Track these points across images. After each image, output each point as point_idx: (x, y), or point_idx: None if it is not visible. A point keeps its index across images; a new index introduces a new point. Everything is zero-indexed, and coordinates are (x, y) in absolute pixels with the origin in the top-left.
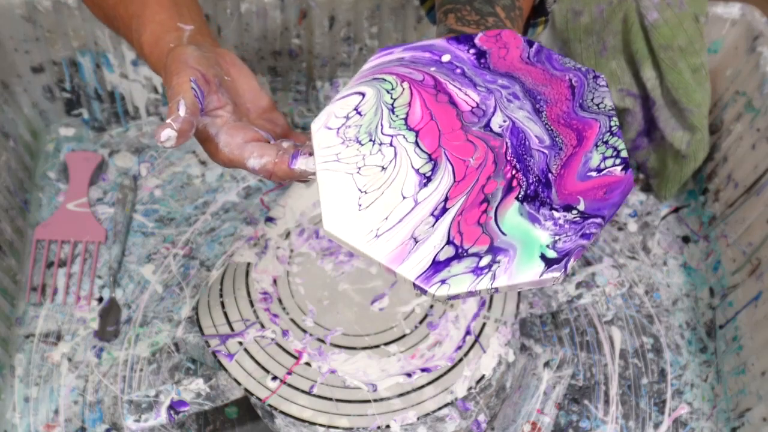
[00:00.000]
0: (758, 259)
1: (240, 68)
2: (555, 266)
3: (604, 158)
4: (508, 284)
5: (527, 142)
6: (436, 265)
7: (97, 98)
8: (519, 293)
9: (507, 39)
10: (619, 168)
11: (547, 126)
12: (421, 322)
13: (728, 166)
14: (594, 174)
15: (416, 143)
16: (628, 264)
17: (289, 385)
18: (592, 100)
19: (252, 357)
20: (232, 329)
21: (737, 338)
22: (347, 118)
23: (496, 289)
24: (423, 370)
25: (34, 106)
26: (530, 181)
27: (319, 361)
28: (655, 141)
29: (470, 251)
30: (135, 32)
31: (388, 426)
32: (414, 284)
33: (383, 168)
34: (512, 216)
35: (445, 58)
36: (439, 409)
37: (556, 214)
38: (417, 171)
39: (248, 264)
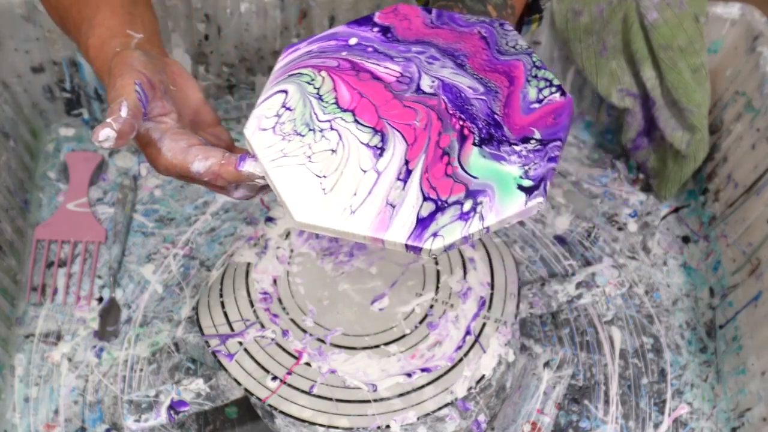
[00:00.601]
0: (758, 259)
1: (187, 79)
2: (535, 192)
3: (540, 90)
4: (497, 220)
5: (462, 94)
6: (422, 222)
7: (97, 98)
8: (519, 293)
9: (405, 11)
10: (557, 95)
11: (475, 76)
12: (421, 322)
13: (728, 166)
14: (536, 105)
15: (356, 121)
16: (628, 264)
17: (289, 385)
18: (506, 44)
19: (252, 357)
20: (232, 329)
21: (737, 338)
22: (278, 116)
23: (488, 229)
24: (423, 370)
25: (34, 106)
26: (480, 126)
27: (319, 361)
28: (655, 141)
29: (450, 201)
30: (83, 35)
31: (388, 426)
32: (407, 246)
33: (333, 151)
34: (476, 160)
35: (352, 41)
36: (439, 409)
37: (517, 148)
38: (367, 145)
39: (248, 264)
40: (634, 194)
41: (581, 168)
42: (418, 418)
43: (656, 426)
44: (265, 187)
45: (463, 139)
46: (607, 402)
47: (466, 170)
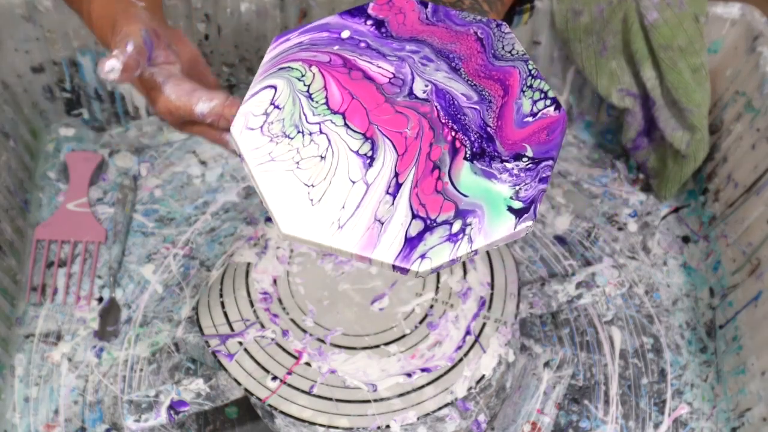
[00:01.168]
0: (758, 259)
1: (191, 49)
2: (525, 215)
3: (534, 102)
4: (486, 243)
5: (455, 102)
6: (410, 242)
7: (97, 98)
8: (519, 293)
9: (400, 3)
10: (551, 108)
11: (469, 82)
12: (421, 322)
13: (728, 166)
14: (530, 119)
15: (346, 125)
16: (628, 264)
17: (289, 385)
18: (503, 48)
19: (252, 357)
20: (232, 329)
21: (737, 338)
22: (266, 114)
23: (476, 252)
24: (423, 370)
25: (34, 106)
26: (472, 138)
27: (319, 361)
28: (655, 141)
29: (439, 220)
30: (86, 2)
31: (388, 426)
32: (394, 266)
33: (322, 157)
34: (467, 176)
35: (345, 34)
36: (439, 409)
37: (509, 165)
38: (357, 153)
39: (248, 264)
40: (634, 194)
41: (581, 168)
42: (418, 418)
43: (656, 426)
44: None
45: (454, 152)
46: (607, 402)
47: (457, 187)
